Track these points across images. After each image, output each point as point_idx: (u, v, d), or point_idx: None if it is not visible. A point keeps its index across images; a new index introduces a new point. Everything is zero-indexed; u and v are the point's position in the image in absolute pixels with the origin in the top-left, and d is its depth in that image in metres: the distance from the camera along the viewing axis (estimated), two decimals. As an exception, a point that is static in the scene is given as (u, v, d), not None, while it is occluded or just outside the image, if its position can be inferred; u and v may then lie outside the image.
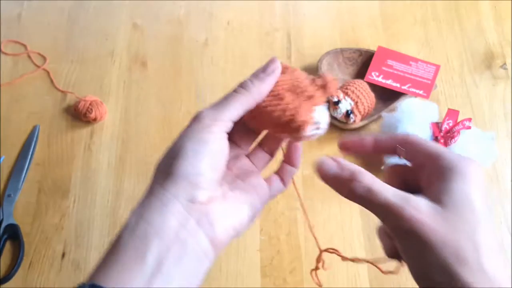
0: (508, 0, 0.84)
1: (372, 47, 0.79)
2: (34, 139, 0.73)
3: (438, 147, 0.32)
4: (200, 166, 0.31)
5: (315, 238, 0.40)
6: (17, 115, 0.75)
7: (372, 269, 0.64)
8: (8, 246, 0.66)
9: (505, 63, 0.78)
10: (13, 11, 0.84)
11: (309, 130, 0.34)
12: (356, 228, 0.66)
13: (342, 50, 0.78)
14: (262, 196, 0.36)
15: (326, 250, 0.40)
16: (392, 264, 0.35)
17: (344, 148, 0.36)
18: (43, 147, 0.73)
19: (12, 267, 0.64)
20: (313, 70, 0.77)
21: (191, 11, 0.84)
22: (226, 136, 0.33)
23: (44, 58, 0.80)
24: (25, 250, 0.66)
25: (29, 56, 0.80)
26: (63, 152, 0.73)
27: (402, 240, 0.29)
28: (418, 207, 0.29)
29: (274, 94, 0.35)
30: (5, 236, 0.66)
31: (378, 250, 0.64)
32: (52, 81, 0.78)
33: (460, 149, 0.67)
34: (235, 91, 0.34)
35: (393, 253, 0.34)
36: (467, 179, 0.30)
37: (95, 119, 0.72)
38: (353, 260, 0.38)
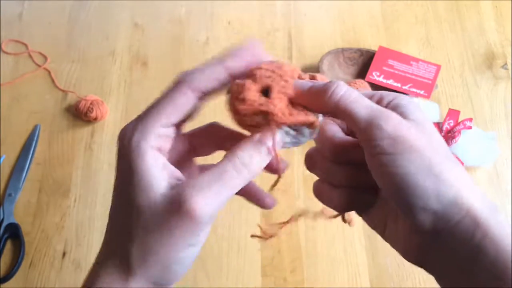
0: (509, 0, 0.84)
1: (373, 47, 0.79)
2: (35, 138, 0.73)
3: (369, 91, 0.31)
4: (184, 272, 0.28)
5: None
6: (18, 115, 0.75)
7: (373, 268, 0.64)
8: (8, 246, 0.66)
9: (506, 63, 0.78)
10: (14, 11, 0.84)
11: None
12: (356, 228, 0.66)
13: (343, 50, 0.78)
14: None
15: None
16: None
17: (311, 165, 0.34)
18: (43, 146, 0.73)
19: (12, 266, 0.64)
20: (314, 70, 0.77)
21: (192, 10, 0.84)
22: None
23: (45, 58, 0.80)
24: (26, 250, 0.66)
25: (30, 56, 0.80)
26: (63, 152, 0.73)
27: (387, 147, 0.27)
28: (399, 117, 0.28)
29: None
30: (5, 235, 0.66)
31: (379, 250, 0.64)
32: (53, 81, 0.78)
33: (461, 149, 0.67)
34: (235, 169, 0.28)
35: (340, 205, 0.32)
36: (412, 103, 0.30)
37: (96, 119, 0.73)
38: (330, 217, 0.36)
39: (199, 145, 0.34)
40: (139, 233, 0.27)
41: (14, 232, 0.66)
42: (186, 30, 0.83)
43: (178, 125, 0.30)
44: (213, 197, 0.26)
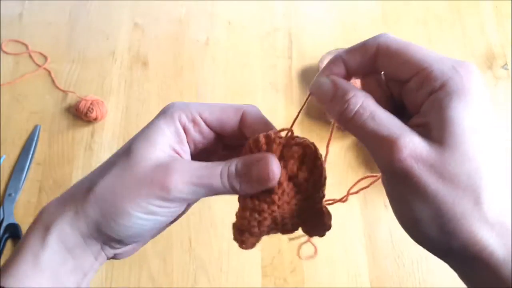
0: (510, 0, 0.84)
1: (373, 47, 0.79)
2: (35, 138, 0.73)
3: (422, 54, 0.26)
4: (135, 237, 0.29)
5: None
6: (18, 115, 0.75)
7: (373, 269, 0.64)
8: (8, 246, 0.66)
9: (506, 63, 0.78)
10: (14, 11, 0.84)
11: None
12: (356, 228, 0.66)
13: (343, 50, 0.78)
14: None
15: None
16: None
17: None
18: (44, 146, 0.73)
19: (12, 266, 0.64)
20: (314, 70, 0.77)
21: (192, 10, 0.84)
22: (183, 209, 0.30)
23: (45, 58, 0.80)
24: (26, 250, 0.66)
25: (30, 56, 0.80)
26: (64, 152, 0.73)
27: (391, 179, 0.25)
28: (415, 146, 0.24)
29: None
30: (5, 236, 0.66)
31: (379, 250, 0.64)
32: (53, 81, 0.78)
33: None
34: (221, 175, 0.28)
35: None
36: (465, 100, 0.24)
37: (96, 119, 0.72)
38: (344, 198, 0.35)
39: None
40: (114, 171, 0.28)
41: (14, 232, 0.66)
42: (186, 30, 0.83)
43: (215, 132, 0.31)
44: (191, 185, 0.28)
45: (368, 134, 0.25)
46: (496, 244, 0.23)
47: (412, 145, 0.24)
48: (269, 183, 0.28)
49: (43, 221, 0.28)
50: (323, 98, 0.28)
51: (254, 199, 0.30)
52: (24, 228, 0.67)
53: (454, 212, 0.23)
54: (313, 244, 0.37)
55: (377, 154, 0.25)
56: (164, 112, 0.30)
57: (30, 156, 0.71)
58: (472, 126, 0.24)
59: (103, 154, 0.72)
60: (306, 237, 0.37)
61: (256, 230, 0.30)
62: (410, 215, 0.25)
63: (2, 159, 0.72)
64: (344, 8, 0.84)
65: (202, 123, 0.30)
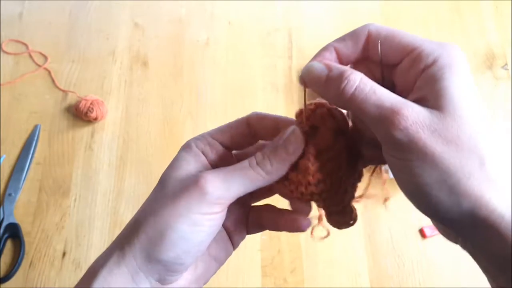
0: (510, 0, 0.84)
1: (373, 47, 0.79)
2: (35, 138, 0.73)
3: (410, 37, 0.28)
4: (184, 255, 0.28)
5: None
6: (18, 114, 0.75)
7: (373, 269, 0.64)
8: (8, 245, 0.66)
9: (506, 64, 0.78)
10: (14, 11, 0.84)
11: None
12: (357, 229, 0.66)
13: (343, 50, 0.78)
14: (227, 254, 0.37)
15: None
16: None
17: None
18: (44, 146, 0.73)
19: (12, 266, 0.64)
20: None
21: (192, 10, 0.84)
22: (223, 216, 0.30)
23: (45, 58, 0.80)
24: (26, 249, 0.66)
25: (30, 56, 0.80)
26: (64, 151, 0.73)
27: (396, 150, 0.25)
28: (417, 114, 0.25)
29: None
30: (5, 235, 0.66)
31: (378, 250, 0.64)
32: (53, 81, 0.78)
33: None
34: (250, 165, 0.29)
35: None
36: (456, 72, 0.26)
37: (96, 119, 0.72)
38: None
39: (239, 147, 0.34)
40: (150, 201, 0.30)
41: (14, 232, 0.66)
42: (186, 30, 0.83)
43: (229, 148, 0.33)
44: (224, 181, 0.28)
45: (371, 107, 0.26)
46: (504, 206, 0.24)
47: (415, 113, 0.25)
48: (297, 144, 0.30)
49: (90, 270, 0.28)
50: (316, 80, 0.28)
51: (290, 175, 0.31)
52: (24, 228, 0.67)
53: (462, 173, 0.24)
54: (325, 228, 0.37)
55: (381, 126, 0.26)
56: (182, 146, 0.32)
57: (30, 156, 0.72)
58: (466, 95, 0.25)
59: (103, 154, 0.72)
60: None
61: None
62: (418, 182, 0.25)
63: (2, 159, 0.72)
64: (344, 8, 0.84)
65: (217, 143, 0.32)
